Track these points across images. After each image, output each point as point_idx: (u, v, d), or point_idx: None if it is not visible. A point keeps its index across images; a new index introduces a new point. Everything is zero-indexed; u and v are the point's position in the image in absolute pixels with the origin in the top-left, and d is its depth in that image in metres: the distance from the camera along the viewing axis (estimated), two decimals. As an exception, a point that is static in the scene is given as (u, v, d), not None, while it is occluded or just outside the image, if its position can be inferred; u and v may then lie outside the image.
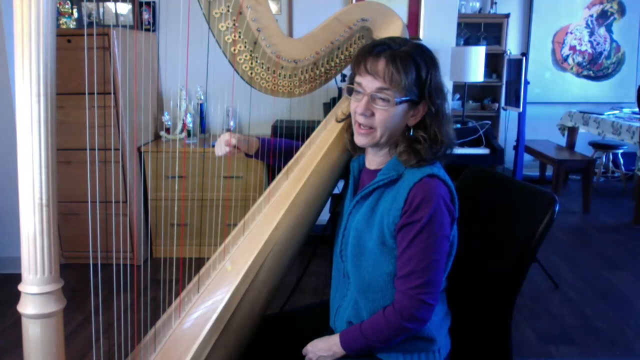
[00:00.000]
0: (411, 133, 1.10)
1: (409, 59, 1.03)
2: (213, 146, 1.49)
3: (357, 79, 1.08)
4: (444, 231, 1.03)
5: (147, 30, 3.04)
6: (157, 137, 3.11)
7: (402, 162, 1.08)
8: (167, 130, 3.01)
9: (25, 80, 0.83)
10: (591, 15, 4.89)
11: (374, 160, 1.16)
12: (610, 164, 4.87)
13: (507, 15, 4.69)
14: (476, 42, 4.68)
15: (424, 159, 1.06)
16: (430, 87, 1.06)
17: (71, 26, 2.95)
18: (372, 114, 1.07)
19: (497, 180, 1.33)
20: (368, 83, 1.06)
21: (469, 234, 1.20)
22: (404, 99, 1.05)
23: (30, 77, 0.83)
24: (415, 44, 1.09)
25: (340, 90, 2.74)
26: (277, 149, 1.38)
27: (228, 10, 1.18)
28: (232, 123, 3.11)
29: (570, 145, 4.64)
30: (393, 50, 1.04)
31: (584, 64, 4.98)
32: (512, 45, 4.92)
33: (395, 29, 1.35)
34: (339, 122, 1.30)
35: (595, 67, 4.98)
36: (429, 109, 1.07)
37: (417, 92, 1.06)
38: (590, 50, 4.96)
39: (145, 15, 3.05)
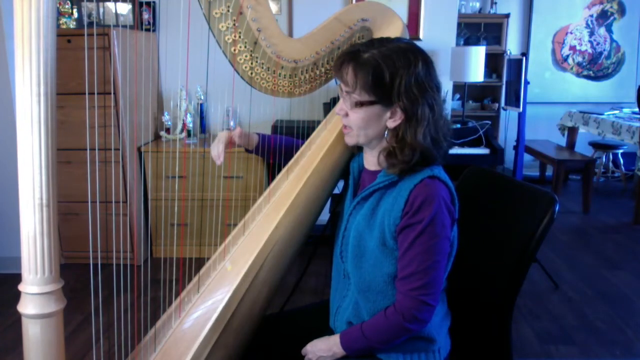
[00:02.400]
0: (385, 135, 1.10)
1: (368, 63, 1.03)
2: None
3: None
4: (445, 232, 1.04)
5: (147, 30, 3.04)
6: (157, 137, 3.11)
7: (387, 168, 1.08)
8: (167, 130, 3.01)
9: (25, 80, 0.83)
10: (591, 15, 4.89)
11: (370, 161, 1.17)
12: (610, 164, 4.88)
13: (507, 15, 4.70)
14: (476, 42, 4.68)
15: (404, 162, 1.05)
16: (399, 90, 1.03)
17: (71, 26, 2.95)
18: (347, 114, 1.11)
19: (497, 180, 1.33)
20: (341, 86, 1.11)
21: (469, 234, 1.20)
22: (363, 101, 1.06)
23: (30, 77, 0.83)
24: (394, 46, 1.06)
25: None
26: (276, 145, 1.38)
27: (228, 10, 1.18)
28: (232, 123, 3.11)
29: (570, 145, 4.64)
30: (356, 54, 1.06)
31: (584, 64, 4.98)
32: (512, 45, 4.92)
33: (395, 29, 1.35)
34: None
35: (595, 67, 4.98)
36: (405, 113, 1.05)
37: (381, 95, 1.04)
38: (590, 50, 4.96)
39: (145, 15, 3.05)
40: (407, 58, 1.04)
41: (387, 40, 1.09)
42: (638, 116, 4.07)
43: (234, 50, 1.23)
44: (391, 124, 1.08)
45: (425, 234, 1.02)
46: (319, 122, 1.41)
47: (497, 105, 4.87)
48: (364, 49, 1.06)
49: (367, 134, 1.10)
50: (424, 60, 1.06)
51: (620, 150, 4.60)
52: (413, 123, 1.05)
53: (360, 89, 1.05)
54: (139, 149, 2.87)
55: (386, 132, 1.09)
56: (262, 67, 1.27)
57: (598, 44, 4.94)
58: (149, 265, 2.87)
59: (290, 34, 3.10)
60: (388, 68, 1.03)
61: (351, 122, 1.10)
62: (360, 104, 1.07)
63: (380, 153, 1.10)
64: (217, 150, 1.27)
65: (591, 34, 4.93)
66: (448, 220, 1.04)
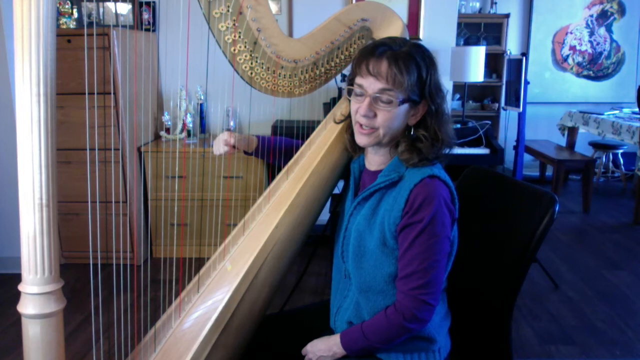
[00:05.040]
0: (412, 132, 1.10)
1: (411, 60, 1.04)
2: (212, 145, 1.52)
3: (359, 80, 1.08)
4: (445, 232, 1.04)
5: (147, 30, 3.04)
6: (157, 137, 3.11)
7: (404, 162, 1.08)
8: (167, 130, 3.01)
9: (25, 80, 0.83)
10: (591, 15, 4.89)
11: (374, 160, 1.16)
12: (610, 164, 4.87)
13: (507, 15, 4.69)
14: (476, 42, 4.68)
15: (426, 158, 1.07)
16: (430, 87, 1.07)
17: (71, 26, 2.95)
18: (375, 115, 1.07)
19: (497, 180, 1.33)
20: (370, 84, 1.05)
21: (469, 234, 1.20)
22: (406, 99, 1.05)
23: (30, 77, 0.83)
24: (415, 44, 1.09)
25: (340, 90, 2.74)
26: (276, 147, 1.38)
27: (228, 10, 1.18)
28: (232, 123, 3.11)
29: (570, 145, 4.64)
30: (394, 51, 1.05)
31: (584, 64, 4.98)
32: (512, 45, 4.92)
33: (395, 29, 1.35)
34: (338, 123, 1.30)
35: (595, 67, 4.98)
36: (429, 108, 1.08)
37: (418, 92, 1.06)
38: (590, 50, 4.96)
39: (145, 15, 3.05)
40: (431, 56, 1.09)
41: (403, 38, 1.12)
42: (638, 116, 4.07)
43: (234, 50, 1.23)
44: (412, 120, 1.09)
45: (425, 234, 1.02)
46: (319, 122, 1.41)
47: (497, 105, 4.87)
48: (396, 47, 1.06)
49: (392, 133, 1.09)
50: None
51: (620, 150, 4.60)
52: (439, 118, 1.09)
53: (403, 86, 1.04)
54: (139, 149, 2.87)
55: (412, 129, 1.10)
56: (262, 67, 1.27)
57: (598, 44, 4.94)
58: (149, 265, 2.87)
59: (290, 34, 3.10)
60: (425, 65, 1.06)
61: (380, 122, 1.07)
62: (403, 102, 1.05)
63: (402, 142, 1.10)
64: (222, 150, 1.30)
65: (591, 34, 4.93)
66: (448, 220, 1.04)
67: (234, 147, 1.31)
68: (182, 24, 2.62)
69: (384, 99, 1.05)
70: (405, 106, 1.06)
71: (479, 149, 2.86)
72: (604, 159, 4.82)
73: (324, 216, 1.31)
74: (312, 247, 1.36)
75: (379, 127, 1.07)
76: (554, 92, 5.02)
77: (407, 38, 1.26)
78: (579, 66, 4.98)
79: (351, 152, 1.25)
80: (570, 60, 4.98)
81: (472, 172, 1.40)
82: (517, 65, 3.10)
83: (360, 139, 1.11)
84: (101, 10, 3.06)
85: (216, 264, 1.24)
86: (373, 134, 1.08)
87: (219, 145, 1.31)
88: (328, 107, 2.83)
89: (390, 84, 1.04)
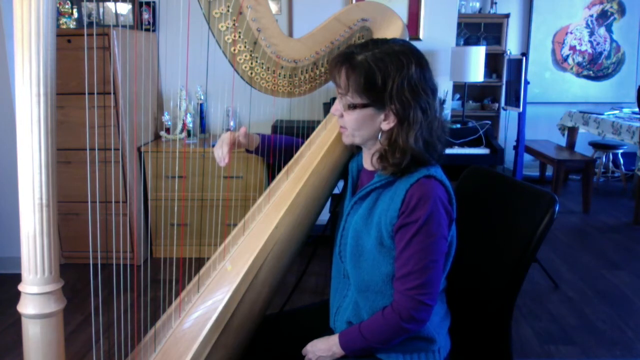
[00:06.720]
0: (379, 137, 1.10)
1: (360, 66, 1.04)
2: (213, 146, 1.50)
3: None
4: (441, 231, 1.03)
5: (147, 30, 3.04)
6: (157, 137, 3.11)
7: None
8: (167, 130, 3.01)
9: (25, 80, 0.83)
10: (591, 15, 4.89)
11: (368, 160, 1.17)
12: (610, 164, 4.87)
13: (507, 15, 4.70)
14: (476, 42, 4.68)
15: (394, 170, 1.06)
16: (391, 94, 1.03)
17: (71, 26, 2.95)
18: (342, 115, 1.12)
19: (497, 180, 1.33)
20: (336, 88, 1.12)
21: (468, 234, 1.20)
22: (358, 105, 1.07)
23: (30, 77, 0.83)
24: (387, 50, 1.05)
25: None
26: (277, 145, 1.38)
27: (228, 10, 1.18)
28: (232, 123, 3.11)
29: (570, 145, 4.64)
30: (349, 57, 1.06)
31: (584, 64, 4.98)
32: (512, 45, 4.92)
33: (395, 29, 1.35)
34: None
35: (595, 67, 4.98)
36: (397, 116, 1.05)
37: (373, 98, 1.05)
38: (590, 50, 4.96)
39: (145, 15, 3.05)
40: (400, 61, 1.03)
41: (381, 41, 1.08)
42: (638, 116, 4.07)
43: (234, 50, 1.23)
44: (385, 126, 1.08)
45: (421, 233, 1.02)
46: (319, 122, 1.41)
47: (497, 105, 4.87)
48: (357, 51, 1.06)
49: (361, 135, 1.11)
50: (418, 62, 1.05)
51: (620, 150, 4.60)
52: (405, 126, 1.05)
53: (353, 91, 1.06)
54: (139, 149, 2.87)
55: (380, 134, 1.10)
56: (262, 67, 1.27)
57: (598, 44, 4.94)
58: (149, 265, 2.87)
59: (290, 34, 3.10)
60: (380, 71, 1.03)
61: (346, 122, 1.11)
62: (353, 106, 1.08)
63: (373, 155, 1.11)
64: (221, 152, 1.25)
65: (591, 34, 4.93)
66: (445, 220, 1.04)
67: (233, 144, 1.30)
68: (182, 24, 2.62)
69: (344, 101, 1.10)
70: (368, 111, 1.07)
71: (479, 149, 2.86)
72: (604, 159, 4.82)
73: (324, 216, 1.31)
74: (312, 247, 1.36)
75: (347, 127, 1.12)
76: (554, 92, 5.02)
77: (407, 38, 1.26)
78: (579, 66, 4.99)
79: (350, 149, 1.27)
80: (570, 60, 4.98)
81: (472, 172, 1.39)
82: (517, 65, 3.10)
83: (342, 138, 1.18)
84: (101, 10, 3.06)
85: (216, 264, 1.24)
86: (345, 133, 1.14)
87: (223, 150, 1.26)
88: (328, 107, 2.83)
89: (342, 89, 1.08)
